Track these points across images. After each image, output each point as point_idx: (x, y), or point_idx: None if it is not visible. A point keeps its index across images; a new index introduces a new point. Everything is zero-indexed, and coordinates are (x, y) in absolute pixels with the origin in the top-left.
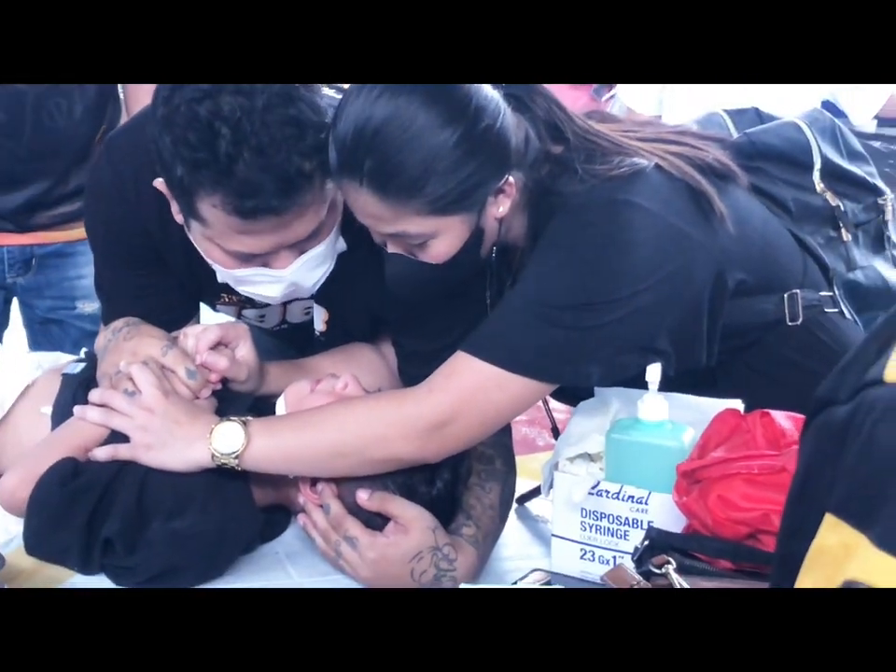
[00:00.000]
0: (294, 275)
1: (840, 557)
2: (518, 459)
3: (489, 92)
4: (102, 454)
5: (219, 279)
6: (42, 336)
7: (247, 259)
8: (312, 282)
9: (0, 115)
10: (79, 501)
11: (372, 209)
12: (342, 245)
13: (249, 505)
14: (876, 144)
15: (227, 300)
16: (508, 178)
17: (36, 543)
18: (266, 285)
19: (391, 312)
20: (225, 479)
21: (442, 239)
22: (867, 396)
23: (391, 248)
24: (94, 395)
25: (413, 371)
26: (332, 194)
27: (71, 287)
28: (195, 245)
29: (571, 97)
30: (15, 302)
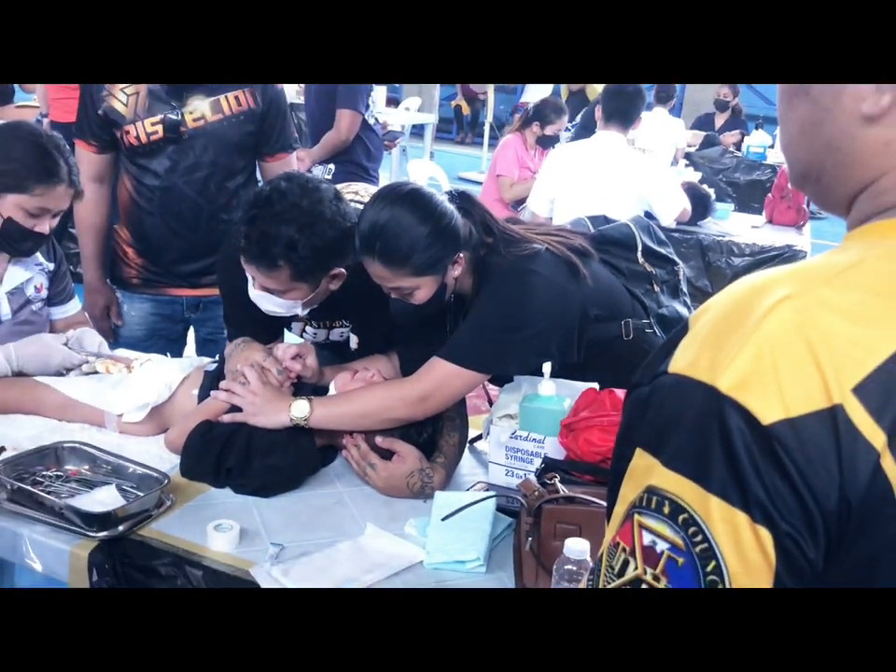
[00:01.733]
0: (256, 297)
1: (644, 472)
2: (470, 418)
3: (447, 204)
4: (227, 418)
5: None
6: (204, 349)
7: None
8: (265, 308)
9: (188, 218)
10: (212, 445)
11: (380, 273)
12: (300, 311)
13: (312, 448)
14: (676, 234)
15: (299, 317)
16: (459, 254)
17: (188, 470)
18: (250, 289)
19: (395, 335)
20: (299, 434)
21: (422, 290)
22: (659, 381)
23: (394, 295)
24: (223, 384)
25: (409, 368)
26: (298, 287)
27: (220, 321)
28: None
29: (498, 208)
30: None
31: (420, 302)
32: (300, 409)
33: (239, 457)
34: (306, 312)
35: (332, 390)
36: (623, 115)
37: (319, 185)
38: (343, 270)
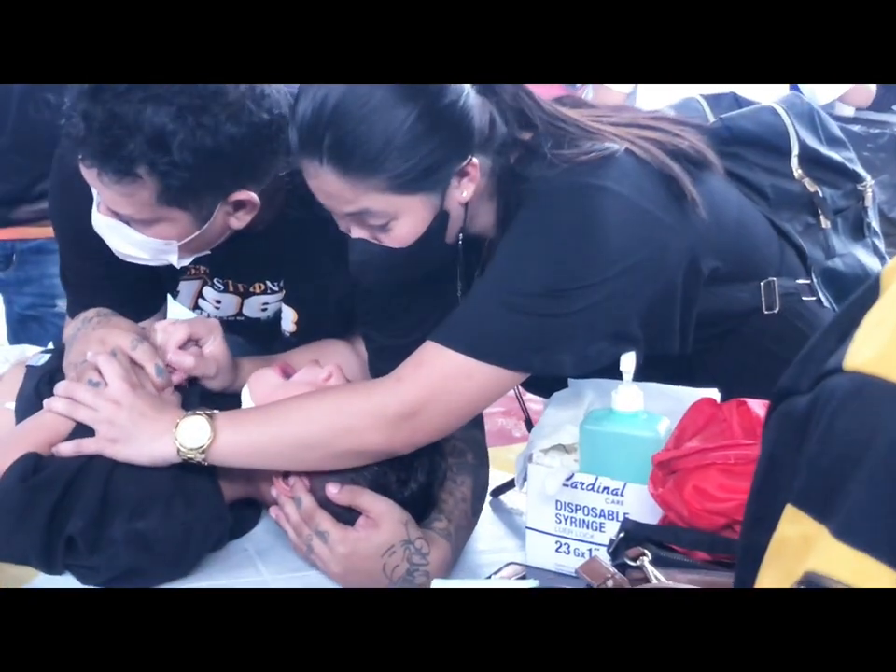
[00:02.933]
0: (99, 224)
1: (800, 548)
2: (494, 451)
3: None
4: (66, 449)
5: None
6: (22, 332)
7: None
8: (113, 247)
9: None
10: (40, 498)
11: (333, 187)
12: (174, 260)
13: (217, 503)
14: (855, 127)
15: (192, 272)
16: (471, 160)
17: None
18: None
19: (361, 305)
20: (192, 475)
21: (405, 220)
22: (827, 385)
23: (355, 233)
24: (60, 387)
25: (383, 365)
26: (171, 217)
27: (52, 284)
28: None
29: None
30: None
31: (400, 244)
32: (193, 432)
33: (88, 518)
34: (186, 262)
35: (247, 398)
36: None
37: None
38: (253, 195)
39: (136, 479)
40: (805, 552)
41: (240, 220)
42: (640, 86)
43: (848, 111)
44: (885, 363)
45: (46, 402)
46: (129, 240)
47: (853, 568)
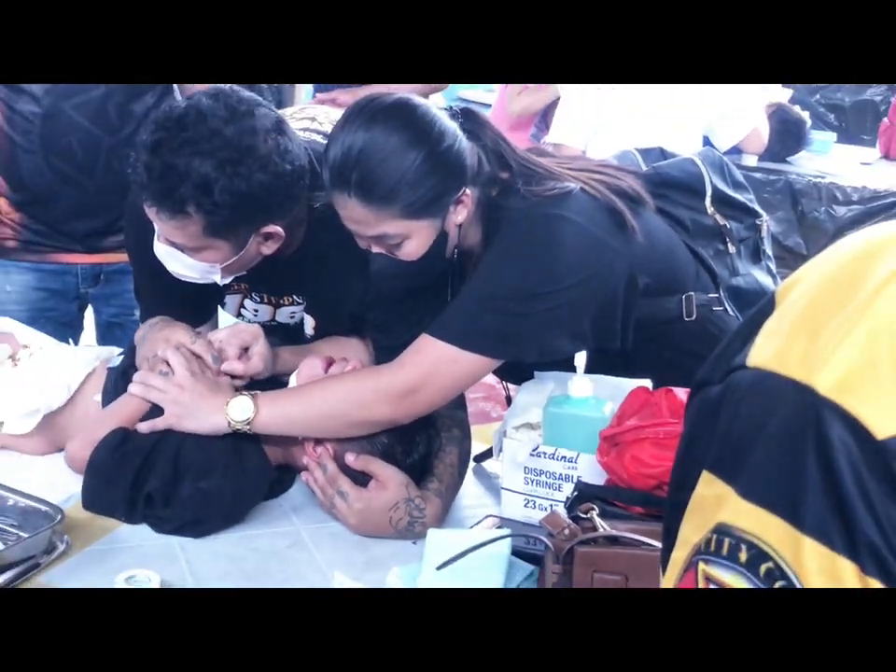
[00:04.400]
0: (160, 252)
1: (713, 505)
2: (476, 428)
3: (448, 122)
4: (144, 427)
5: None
6: (108, 335)
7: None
8: (169, 269)
9: (79, 156)
10: (127, 463)
11: (359, 215)
12: (217, 279)
13: (264, 467)
14: (757, 175)
15: (235, 288)
16: (465, 191)
17: (92, 499)
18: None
19: (369, 314)
20: (244, 444)
21: (414, 240)
22: (734, 377)
23: (375, 249)
24: (137, 376)
25: (387, 360)
26: (216, 245)
27: (130, 297)
28: None
29: (515, 139)
30: (89, 309)
31: (410, 258)
32: (240, 408)
33: (163, 479)
34: (227, 280)
35: (293, 381)
36: None
37: (256, 109)
38: (279, 229)
39: (201, 447)
40: (717, 507)
41: (269, 248)
42: (589, 145)
43: (752, 162)
44: (778, 361)
45: (130, 388)
46: (183, 263)
47: (754, 520)
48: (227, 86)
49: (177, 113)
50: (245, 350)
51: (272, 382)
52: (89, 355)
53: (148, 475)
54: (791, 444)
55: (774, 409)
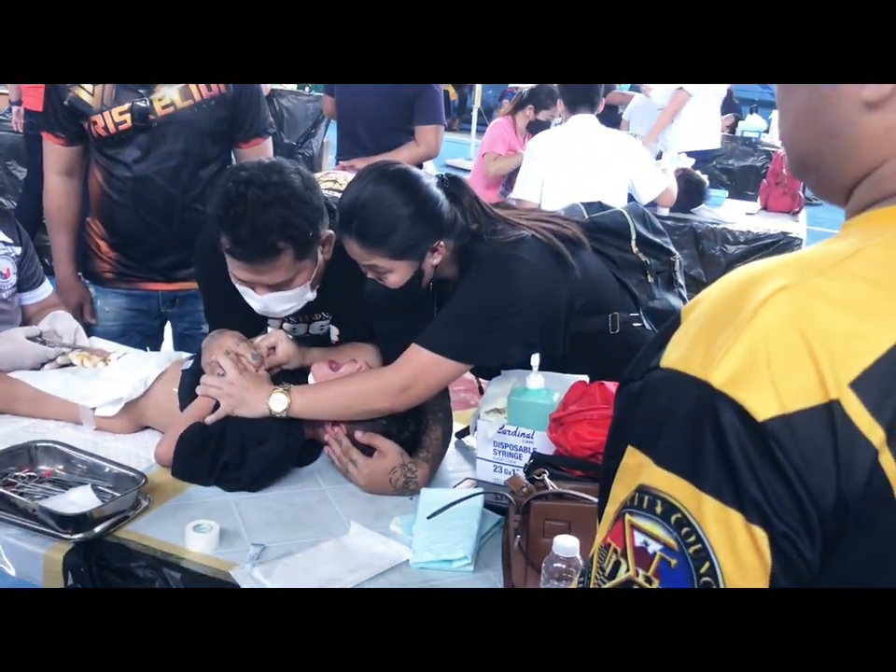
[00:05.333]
0: (265, 302)
1: (636, 471)
2: (457, 412)
3: (434, 188)
4: (211, 419)
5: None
6: (182, 345)
7: (243, 282)
8: (279, 310)
9: (160, 210)
10: (207, 444)
11: (355, 251)
12: (310, 296)
13: (301, 436)
14: (669, 221)
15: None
16: (440, 242)
17: (182, 469)
18: (251, 300)
19: (377, 327)
20: (287, 421)
21: (396, 274)
22: (650, 376)
23: (369, 275)
24: (202, 379)
25: (391, 362)
26: (304, 267)
27: (199, 315)
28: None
29: (488, 196)
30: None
31: (393, 286)
32: (278, 402)
33: (235, 450)
34: (314, 295)
35: (311, 379)
36: (588, 100)
37: (276, 162)
38: (331, 232)
39: (257, 424)
40: (638, 472)
41: (327, 252)
42: (544, 200)
43: (665, 211)
44: (683, 363)
45: (198, 390)
46: (284, 299)
47: (666, 482)
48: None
49: (232, 192)
50: (272, 349)
51: (304, 372)
52: (161, 358)
53: (223, 450)
54: (693, 425)
55: (681, 398)
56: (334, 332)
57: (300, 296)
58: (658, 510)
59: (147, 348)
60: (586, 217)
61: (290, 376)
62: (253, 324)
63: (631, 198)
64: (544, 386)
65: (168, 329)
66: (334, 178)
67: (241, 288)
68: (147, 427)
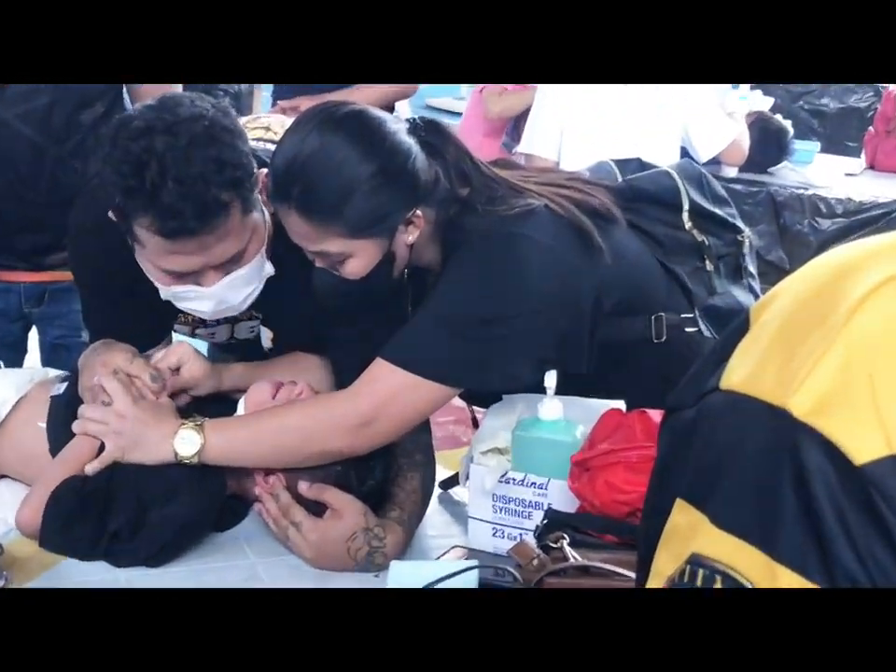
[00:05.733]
0: (220, 292)
1: (687, 533)
2: (446, 453)
3: (404, 136)
4: (94, 467)
5: (162, 297)
6: (53, 359)
7: (179, 276)
8: (238, 299)
9: (22, 168)
10: (90, 501)
11: (300, 230)
12: (269, 269)
13: (223, 485)
14: (738, 186)
15: (182, 319)
16: (416, 211)
17: (55, 538)
18: (197, 300)
19: (329, 333)
20: (204, 470)
21: (358, 258)
22: (707, 401)
23: (318, 263)
24: (80, 410)
25: (347, 382)
26: (254, 225)
27: (76, 318)
28: (143, 267)
29: (488, 145)
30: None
31: (353, 276)
32: (187, 443)
33: (129, 513)
34: (273, 269)
35: (241, 408)
36: None
37: (168, 96)
38: (264, 170)
39: (159, 474)
40: (690, 536)
41: (269, 207)
42: (563, 155)
43: (732, 172)
44: (752, 383)
45: (74, 427)
46: (242, 280)
47: (727, 549)
48: (177, 94)
49: (144, 145)
50: (176, 370)
51: (222, 401)
52: (21, 378)
53: (112, 511)
54: (765, 469)
55: (748, 433)
56: (266, 336)
57: (258, 272)
58: (717, 587)
59: (2, 363)
60: (619, 179)
61: (206, 405)
62: (154, 332)
63: (685, 153)
64: (563, 417)
65: (33, 335)
66: (266, 125)
67: (174, 291)
68: (2, 477)
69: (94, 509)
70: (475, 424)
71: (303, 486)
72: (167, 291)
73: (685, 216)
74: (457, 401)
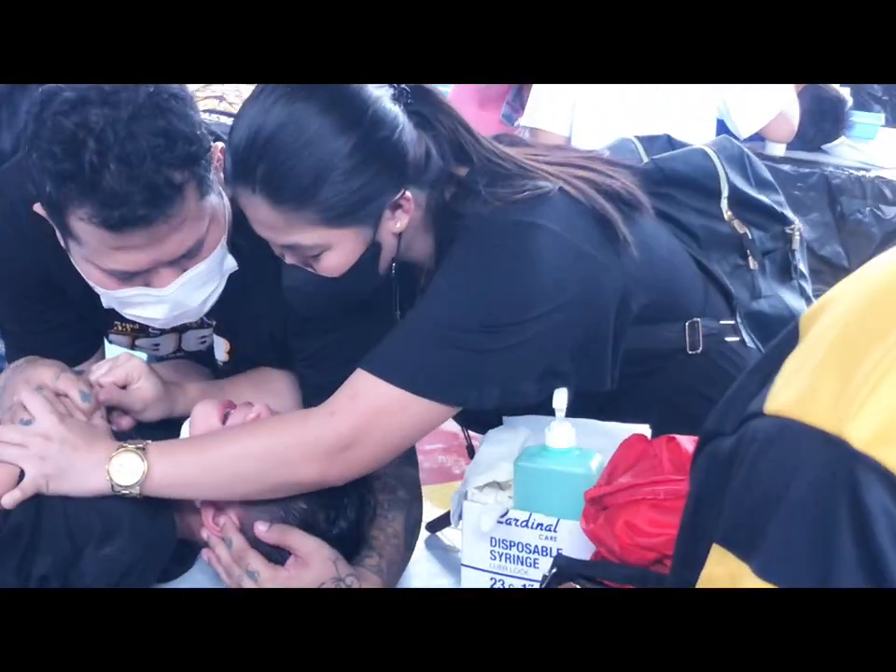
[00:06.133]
0: (177, 294)
1: (726, 586)
2: (434, 488)
3: (388, 104)
4: (9, 500)
5: (104, 304)
6: None
7: (126, 277)
8: (198, 301)
9: None
10: (9, 547)
11: (266, 218)
12: (231, 263)
13: (173, 529)
14: (785, 167)
15: (119, 328)
16: (405, 193)
17: None
18: (149, 306)
19: (295, 343)
20: (149, 504)
21: (337, 252)
22: (749, 427)
23: (288, 260)
24: None
25: (318, 402)
26: (213, 210)
27: None
28: (78, 269)
29: (485, 119)
30: None
31: (331, 274)
32: (127, 469)
33: (59, 554)
34: (235, 264)
35: (186, 432)
36: None
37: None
38: (220, 144)
39: (93, 506)
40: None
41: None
42: (576, 131)
43: (779, 151)
44: (803, 406)
45: None
46: (203, 276)
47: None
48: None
49: (72, 105)
50: (123, 388)
51: (166, 426)
52: None
53: (37, 554)
54: (819, 510)
55: (798, 466)
56: (221, 348)
57: (218, 267)
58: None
59: None
60: (645, 159)
61: (149, 433)
62: (81, 339)
63: (722, 128)
64: (575, 444)
65: None
66: (220, 94)
67: (119, 296)
68: None
69: (14, 547)
70: (470, 452)
71: (261, 528)
72: (110, 297)
73: (724, 203)
74: (449, 425)
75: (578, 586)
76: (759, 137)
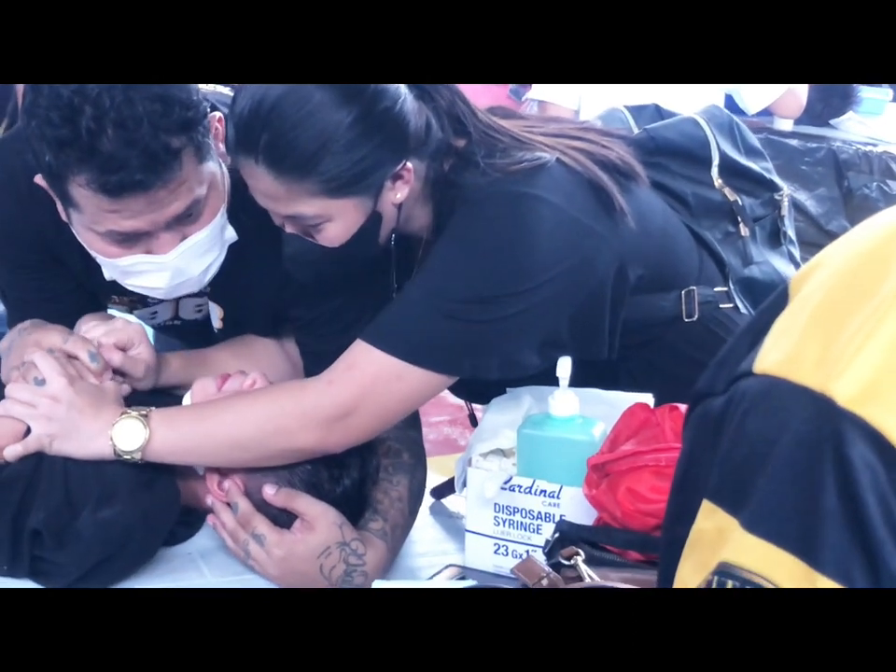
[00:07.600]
0: (178, 261)
1: (715, 540)
2: (440, 459)
3: None
4: (11, 453)
5: (106, 276)
6: None
7: (127, 243)
8: (199, 270)
9: None
10: (3, 495)
11: (268, 189)
12: (231, 233)
13: (173, 485)
14: (793, 142)
15: (117, 300)
16: (405, 164)
17: None
18: (151, 274)
19: (294, 310)
20: (150, 468)
21: (337, 222)
22: (739, 387)
23: (289, 229)
24: (7, 389)
25: (318, 371)
26: (212, 176)
27: None
28: (79, 239)
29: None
30: None
31: (332, 244)
32: (129, 434)
33: (53, 510)
34: (234, 234)
35: (188, 402)
36: None
37: None
38: (217, 114)
39: (95, 467)
40: (719, 543)
41: (218, 143)
42: (584, 104)
43: (786, 125)
44: (790, 366)
45: None
46: (204, 244)
47: (760, 557)
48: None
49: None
50: (123, 352)
51: (161, 396)
52: None
53: (31, 507)
54: (804, 465)
55: (785, 423)
56: (216, 315)
57: (219, 236)
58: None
59: None
60: (635, 129)
61: (147, 397)
62: (82, 308)
63: (731, 103)
64: (578, 412)
65: None
66: None
67: (121, 265)
68: None
69: (9, 499)
70: (474, 423)
71: (269, 491)
72: (112, 267)
73: (714, 171)
74: (454, 398)
75: (580, 550)
76: (767, 112)
